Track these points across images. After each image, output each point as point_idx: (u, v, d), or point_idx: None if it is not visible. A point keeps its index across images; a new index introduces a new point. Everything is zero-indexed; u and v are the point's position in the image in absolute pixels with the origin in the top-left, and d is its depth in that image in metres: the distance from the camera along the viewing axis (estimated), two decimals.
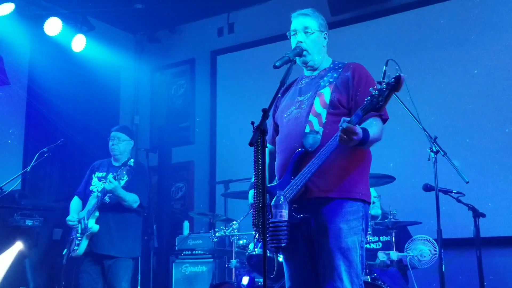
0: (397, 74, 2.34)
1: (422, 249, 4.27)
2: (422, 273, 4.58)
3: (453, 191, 4.51)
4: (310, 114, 2.73)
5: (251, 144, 2.34)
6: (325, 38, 2.93)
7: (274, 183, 2.81)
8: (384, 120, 2.73)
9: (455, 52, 5.64)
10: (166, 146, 7.30)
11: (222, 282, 5.04)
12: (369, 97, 2.44)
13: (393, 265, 4.21)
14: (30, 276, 5.33)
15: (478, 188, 5.07)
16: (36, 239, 5.46)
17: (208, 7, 6.96)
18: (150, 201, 5.44)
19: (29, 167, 4.97)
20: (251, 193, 2.80)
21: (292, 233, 2.62)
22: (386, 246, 4.51)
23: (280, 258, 3.01)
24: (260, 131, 2.36)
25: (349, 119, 2.46)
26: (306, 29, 2.87)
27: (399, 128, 5.29)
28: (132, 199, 4.66)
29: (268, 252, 2.67)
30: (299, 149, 2.69)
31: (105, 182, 4.56)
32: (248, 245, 4.79)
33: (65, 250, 4.76)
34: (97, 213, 4.63)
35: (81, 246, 4.61)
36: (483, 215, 4.59)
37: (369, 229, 3.95)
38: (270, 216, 2.56)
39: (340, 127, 2.44)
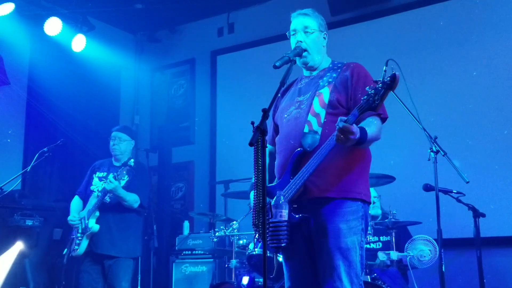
0: (393, 72, 2.35)
1: (422, 249, 4.27)
2: (422, 273, 4.58)
3: (453, 191, 4.51)
4: (309, 114, 2.73)
5: (251, 144, 2.34)
6: (324, 38, 2.94)
7: (274, 184, 2.81)
8: (383, 119, 2.73)
9: (455, 52, 5.64)
10: (166, 146, 7.31)
11: (222, 282, 5.04)
12: (365, 96, 2.44)
13: (393, 265, 4.21)
14: (30, 276, 5.33)
15: (478, 188, 5.07)
16: (36, 239, 5.46)
17: (208, 7, 6.96)
18: (150, 201, 5.44)
19: (29, 167, 4.97)
20: (253, 194, 2.80)
21: (292, 233, 2.62)
22: (386, 246, 4.51)
23: (280, 258, 3.01)
24: (260, 131, 2.36)
25: (346, 118, 2.46)
26: (306, 29, 2.87)
27: (399, 128, 5.29)
28: (132, 199, 4.67)
29: (268, 252, 2.67)
30: (298, 149, 2.69)
31: (105, 182, 4.56)
32: (248, 245, 4.79)
33: (66, 250, 4.76)
34: (97, 213, 4.63)
35: (82, 246, 4.61)
36: (483, 215, 4.59)
37: (369, 229, 3.98)
38: (270, 216, 2.56)
39: (336, 126, 2.44)
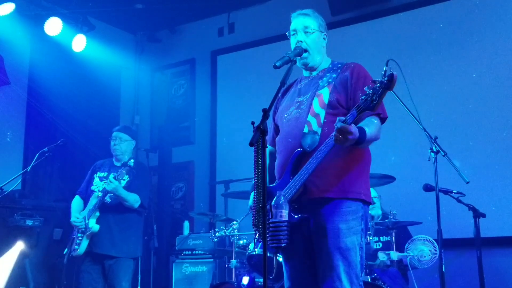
0: (390, 72, 2.34)
1: (422, 249, 4.27)
2: (422, 273, 4.58)
3: (454, 191, 4.50)
4: (309, 115, 2.73)
5: (251, 144, 2.34)
6: (324, 38, 2.94)
7: (274, 184, 2.81)
8: (383, 119, 2.73)
9: (455, 52, 5.64)
10: (166, 146, 7.31)
11: (222, 282, 5.04)
12: (363, 96, 2.44)
13: (393, 265, 4.21)
14: (31, 276, 5.33)
15: (478, 189, 5.06)
16: (37, 239, 5.46)
17: (208, 7, 6.96)
18: (151, 201, 5.44)
19: (30, 167, 4.97)
20: (252, 195, 2.79)
21: (291, 233, 2.62)
22: (386, 246, 4.51)
23: (280, 258, 3.01)
24: (260, 131, 2.36)
25: (344, 118, 2.46)
26: (306, 29, 2.87)
27: (399, 128, 5.29)
28: (133, 199, 4.67)
29: (268, 252, 2.67)
30: (298, 149, 2.69)
31: (106, 182, 4.56)
32: (248, 245, 4.79)
33: (66, 249, 4.76)
34: (97, 213, 4.64)
35: (82, 246, 4.61)
36: (484, 215, 4.59)
37: (369, 230, 3.98)
38: (270, 216, 2.56)
39: (335, 126, 2.44)
